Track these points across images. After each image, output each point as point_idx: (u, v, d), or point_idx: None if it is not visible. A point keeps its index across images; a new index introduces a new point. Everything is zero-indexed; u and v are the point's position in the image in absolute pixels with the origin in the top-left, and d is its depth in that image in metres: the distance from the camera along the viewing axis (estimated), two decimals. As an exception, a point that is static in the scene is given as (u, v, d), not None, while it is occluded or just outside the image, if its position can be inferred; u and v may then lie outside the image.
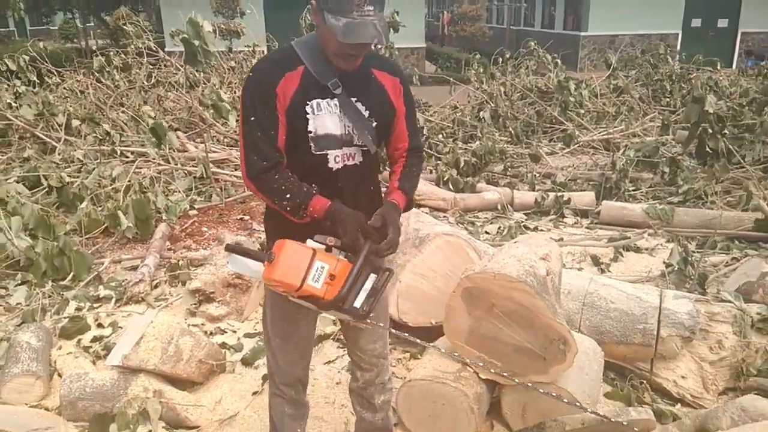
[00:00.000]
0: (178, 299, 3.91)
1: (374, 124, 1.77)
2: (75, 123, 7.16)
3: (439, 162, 6.99)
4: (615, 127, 8.08)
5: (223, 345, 3.34)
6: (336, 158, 1.74)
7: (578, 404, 2.25)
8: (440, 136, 7.88)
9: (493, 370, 2.42)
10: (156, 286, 4.13)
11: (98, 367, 3.15)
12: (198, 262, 4.34)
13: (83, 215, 4.88)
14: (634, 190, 6.08)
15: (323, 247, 1.64)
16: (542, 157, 7.14)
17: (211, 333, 3.53)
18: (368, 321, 1.74)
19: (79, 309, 3.80)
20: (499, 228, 5.28)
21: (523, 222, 5.41)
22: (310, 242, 1.65)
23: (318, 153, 1.71)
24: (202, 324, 3.64)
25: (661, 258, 4.48)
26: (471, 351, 2.49)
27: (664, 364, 2.91)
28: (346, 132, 1.73)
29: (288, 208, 1.68)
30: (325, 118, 1.70)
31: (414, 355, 3.23)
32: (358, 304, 1.64)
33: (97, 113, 7.52)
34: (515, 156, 7.45)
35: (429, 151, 7.45)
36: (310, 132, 1.70)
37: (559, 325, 2.32)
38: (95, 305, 3.87)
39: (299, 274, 1.57)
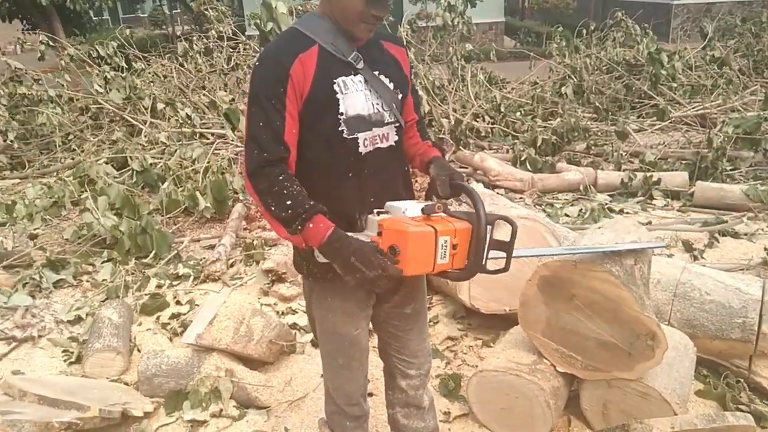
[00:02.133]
0: (252, 278, 3.97)
1: (399, 96, 1.67)
2: (160, 106, 7.41)
3: (516, 141, 6.78)
4: (711, 101, 7.52)
5: (294, 326, 3.35)
6: (365, 141, 1.60)
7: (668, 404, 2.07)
8: (518, 113, 7.63)
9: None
10: (232, 265, 4.21)
11: (174, 344, 3.24)
12: (272, 241, 4.41)
13: (165, 195, 5.03)
14: (732, 170, 5.68)
15: (436, 214, 1.54)
16: (630, 135, 6.78)
17: (283, 313, 3.56)
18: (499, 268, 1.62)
19: (159, 286, 3.92)
20: (581, 210, 5.08)
21: (607, 204, 5.17)
22: (410, 209, 1.54)
23: (350, 137, 1.57)
24: (275, 304, 3.67)
25: (762, 244, 4.15)
26: (548, 343, 2.37)
27: (765, 362, 2.69)
28: (375, 110, 1.61)
29: (283, 217, 1.50)
30: (354, 96, 1.57)
31: (486, 342, 3.14)
32: (485, 262, 1.55)
33: (179, 96, 7.76)
34: (600, 133, 7.13)
35: (506, 129, 7.24)
36: (341, 114, 1.55)
37: (647, 318, 2.16)
38: (174, 283, 3.99)
39: (430, 261, 1.48)
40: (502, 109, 7.54)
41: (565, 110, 7.45)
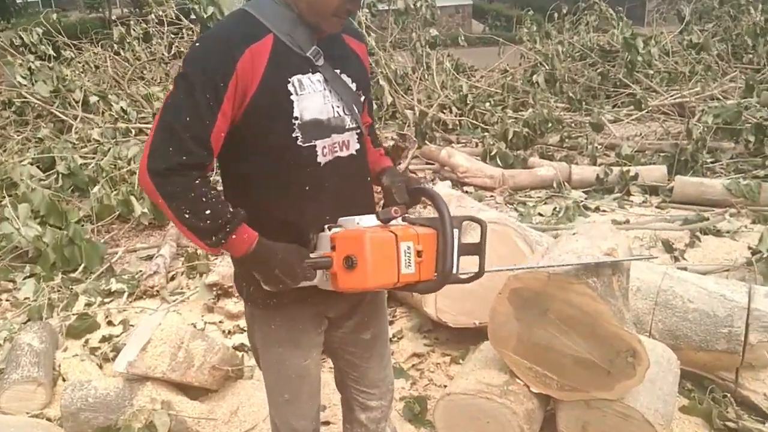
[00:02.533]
0: (195, 293, 3.86)
1: (362, 99, 1.61)
2: (92, 99, 7.17)
3: (485, 134, 6.79)
4: (690, 89, 7.65)
5: (242, 347, 3.26)
6: (324, 150, 1.52)
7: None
8: (487, 104, 7.65)
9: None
10: (172, 279, 4.10)
11: (105, 372, 3.10)
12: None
13: (96, 201, 4.86)
14: (712, 163, 5.78)
15: (395, 221, 1.50)
16: (605, 126, 6.87)
17: (230, 332, 3.47)
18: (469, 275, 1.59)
19: (88, 305, 3.78)
20: (555, 209, 5.10)
21: (582, 202, 5.21)
22: (364, 220, 1.49)
23: (306, 145, 1.48)
24: (221, 321, 3.58)
25: (746, 243, 4.19)
26: (521, 361, 2.32)
27: (752, 374, 2.71)
28: (336, 114, 1.53)
29: (201, 228, 1.39)
30: (311, 98, 1.48)
31: (455, 359, 3.10)
32: (456, 269, 1.49)
33: (114, 88, 7.52)
34: (573, 125, 7.21)
35: (474, 121, 7.23)
36: (296, 119, 1.46)
37: (627, 333, 2.13)
38: (106, 300, 3.85)
39: (393, 270, 1.41)
40: (470, 100, 7.55)
41: (536, 100, 7.50)
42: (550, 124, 6.78)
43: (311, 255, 1.48)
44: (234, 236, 1.41)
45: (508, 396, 2.29)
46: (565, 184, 5.52)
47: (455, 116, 7.36)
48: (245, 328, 3.42)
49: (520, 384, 2.33)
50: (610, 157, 6.26)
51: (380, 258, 1.39)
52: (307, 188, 1.51)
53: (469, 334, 3.07)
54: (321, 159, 1.51)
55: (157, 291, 3.90)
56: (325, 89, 1.50)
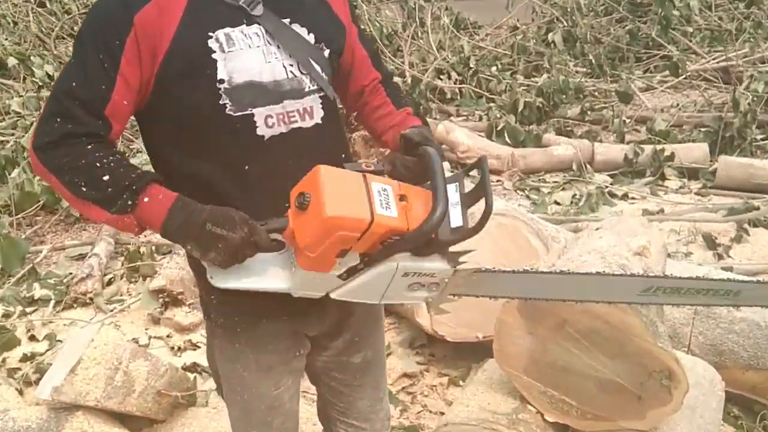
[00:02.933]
0: (137, 301, 3.84)
1: (326, 52, 1.57)
2: (11, 62, 7.10)
3: (491, 105, 6.78)
4: (736, 50, 7.65)
5: (194, 367, 3.24)
6: (269, 120, 1.48)
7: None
8: (494, 68, 7.64)
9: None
10: (109, 283, 4.07)
11: (26, 398, 3.07)
12: (166, 248, 4.27)
13: (16, 187, 4.80)
14: (763, 140, 5.78)
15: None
16: (635, 95, 6.85)
17: (179, 349, 3.47)
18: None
19: (6, 315, 3.74)
20: (574, 196, 5.10)
21: (607, 187, 5.22)
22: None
23: (237, 114, 1.46)
24: (168, 336, 3.57)
25: (805, 237, 4.22)
26: (534, 384, 2.33)
27: None
28: (289, 75, 1.50)
29: (101, 198, 1.38)
30: (243, 56, 1.45)
31: (454, 380, 3.12)
32: (458, 221, 1.44)
33: (38, 49, 7.45)
34: (597, 94, 7.20)
35: (478, 90, 7.22)
36: (221, 82, 1.44)
37: (661, 350, 2.13)
38: (28, 310, 3.82)
39: (364, 203, 1.35)
40: (473, 64, 7.51)
41: (552, 64, 7.49)
42: (568, 93, 6.78)
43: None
44: (146, 199, 1.38)
45: (517, 426, 2.28)
46: (587, 165, 5.52)
47: (455, 83, 7.33)
48: (199, 344, 3.45)
49: (533, 412, 2.33)
50: (640, 133, 6.26)
51: (340, 189, 1.35)
52: (247, 167, 1.48)
53: (471, 351, 3.08)
54: (264, 131, 1.48)
55: (91, 298, 3.87)
56: (267, 44, 1.47)
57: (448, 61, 7.58)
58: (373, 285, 1.46)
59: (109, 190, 1.37)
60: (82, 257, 4.33)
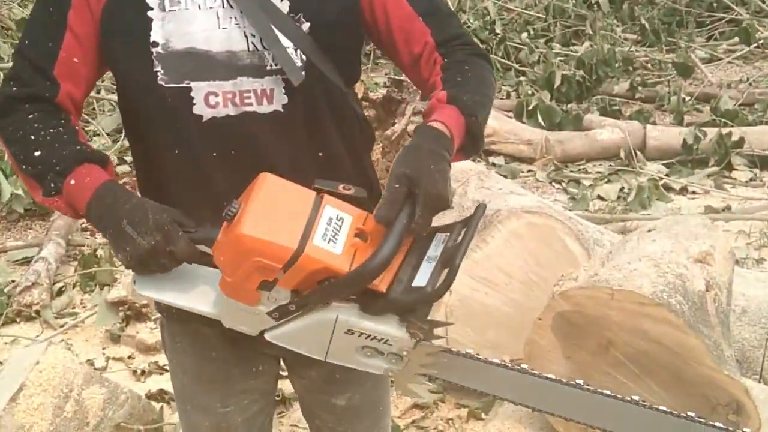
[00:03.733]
0: (92, 315, 3.83)
1: (305, 26, 1.51)
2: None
3: (521, 79, 6.77)
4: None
5: (161, 395, 3.23)
6: (211, 97, 1.47)
7: None
8: (525, 34, 7.61)
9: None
10: (60, 293, 4.06)
11: (-41, 432, 3.06)
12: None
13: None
14: None
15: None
16: (696, 68, 6.84)
17: (143, 373, 3.46)
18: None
19: (-65, 332, 3.74)
20: (622, 190, 5.08)
21: (662, 179, 5.19)
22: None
23: (171, 86, 1.45)
24: (130, 357, 3.57)
25: None
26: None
27: None
28: (249, 48, 1.48)
29: (33, 175, 1.45)
30: (188, 19, 1.45)
31: (475, 412, 3.08)
32: (422, 280, 1.35)
33: None
34: (650, 66, 7.20)
35: (505, 61, 7.19)
36: (154, 45, 1.44)
37: (728, 379, 2.14)
38: (-38, 325, 3.80)
39: (297, 227, 1.31)
40: (500, 29, 7.49)
41: (596, 30, 7.48)
42: (615, 65, 6.76)
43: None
44: (72, 181, 1.42)
45: (552, 470, 2.31)
46: (638, 153, 5.49)
47: (477, 53, 7.32)
48: (167, 367, 3.42)
49: (570, 452, 2.35)
50: (702, 114, 6.24)
51: (274, 205, 1.33)
52: (177, 152, 1.49)
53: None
54: (203, 111, 1.47)
55: (37, 311, 3.85)
56: (225, 7, 1.46)
57: (469, 26, 7.55)
58: (312, 335, 1.41)
59: (39, 167, 1.43)
60: (27, 262, 4.32)
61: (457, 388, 3.23)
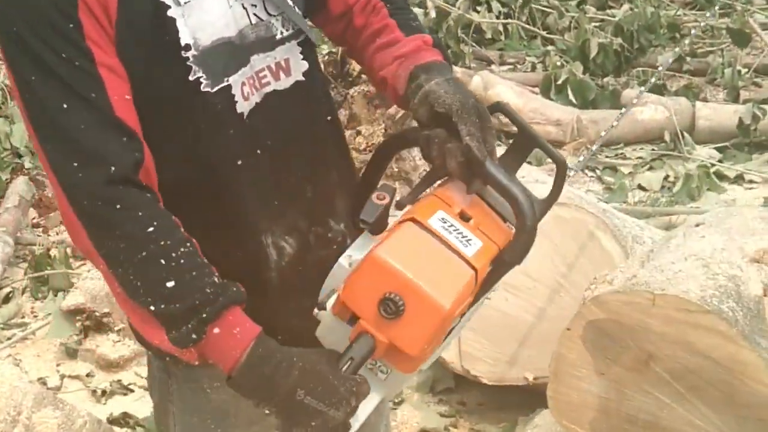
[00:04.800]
0: (45, 326, 3.85)
1: None
2: None
3: (548, 49, 6.78)
4: None
5: (124, 419, 3.26)
6: (244, 89, 1.49)
7: None
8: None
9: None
10: (6, 300, 4.10)
11: None
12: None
13: None
14: None
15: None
16: (755, 35, 6.78)
17: (105, 393, 3.47)
18: None
19: None
20: (667, 178, 5.10)
21: (714, 166, 5.18)
22: (354, 251, 1.47)
23: (217, 89, 1.46)
24: (88, 375, 3.59)
25: None
26: None
27: None
28: (252, 20, 1.50)
29: (161, 312, 1.36)
30: (204, 4, 1.44)
31: None
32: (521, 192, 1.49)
33: None
34: (702, 33, 7.11)
35: (530, 27, 7.18)
36: (187, 48, 1.42)
37: None
38: None
39: (452, 258, 1.40)
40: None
41: (637, -10, 7.43)
42: (659, 32, 6.76)
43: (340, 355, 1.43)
44: (216, 330, 1.37)
45: None
46: (685, 135, 5.47)
47: (497, 18, 7.31)
48: (132, 386, 3.46)
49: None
50: (762, 90, 6.23)
51: (425, 264, 1.38)
52: (239, 162, 1.48)
53: (518, 398, 3.09)
54: (243, 107, 1.49)
55: (-19, 321, 3.88)
56: None
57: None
58: (459, 328, 1.53)
59: (175, 306, 1.36)
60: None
61: (476, 407, 3.28)
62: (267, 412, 1.41)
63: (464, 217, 1.43)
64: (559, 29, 7.04)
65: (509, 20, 7.30)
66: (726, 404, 2.17)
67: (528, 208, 1.42)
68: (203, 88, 1.44)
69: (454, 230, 1.40)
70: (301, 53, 1.56)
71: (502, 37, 7.22)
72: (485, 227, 1.44)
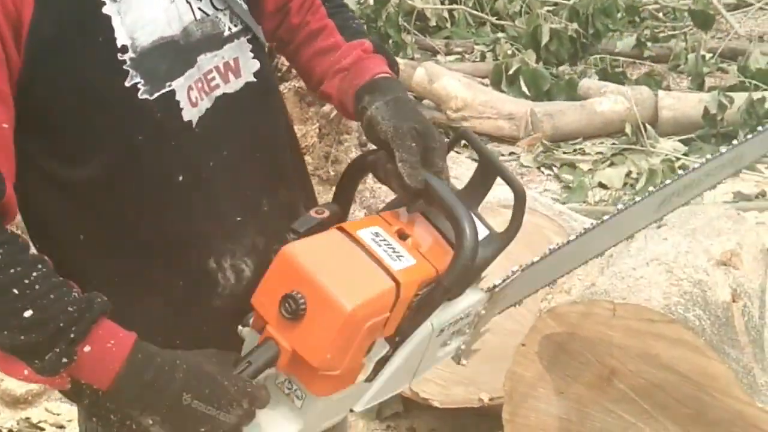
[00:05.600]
0: None
1: None
2: None
3: (498, 36, 6.83)
4: None
5: None
6: (191, 94, 1.48)
7: None
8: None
9: None
10: None
11: None
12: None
13: None
14: None
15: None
16: (720, 16, 6.92)
17: None
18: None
19: None
20: (630, 174, 5.15)
21: (679, 159, 5.27)
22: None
23: (157, 96, 1.43)
24: None
25: None
26: None
27: None
28: (198, 16, 1.49)
29: (22, 344, 1.30)
30: (144, 2, 1.42)
31: None
32: (482, 229, 1.54)
33: None
34: (661, 16, 7.29)
35: (477, 12, 7.21)
36: (124, 50, 1.40)
37: (763, 414, 2.15)
38: None
39: (373, 267, 1.41)
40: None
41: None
42: (616, 16, 6.84)
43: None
44: (87, 348, 1.33)
45: None
46: (648, 127, 5.54)
47: (441, 3, 7.34)
48: (42, 426, 3.41)
49: None
50: (728, 75, 6.32)
51: (337, 266, 1.40)
52: (181, 178, 1.47)
53: (473, 420, 3.13)
54: (191, 114, 1.47)
55: None
56: None
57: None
58: (407, 366, 1.52)
59: (37, 335, 1.31)
60: None
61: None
62: (151, 422, 1.39)
63: (402, 236, 1.47)
64: (510, 14, 7.12)
65: (455, 6, 7.35)
66: (695, 422, 2.18)
67: (468, 229, 1.43)
68: (141, 95, 1.42)
69: (385, 244, 1.43)
70: (251, 51, 1.57)
71: (448, 25, 7.28)
72: (425, 248, 1.47)
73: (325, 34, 1.71)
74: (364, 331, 1.36)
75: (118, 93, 1.41)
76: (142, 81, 1.42)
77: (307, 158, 3.73)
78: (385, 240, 1.44)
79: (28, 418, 3.47)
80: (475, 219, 1.50)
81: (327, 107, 4.28)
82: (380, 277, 1.38)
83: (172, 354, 1.40)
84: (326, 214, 1.48)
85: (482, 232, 1.51)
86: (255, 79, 1.57)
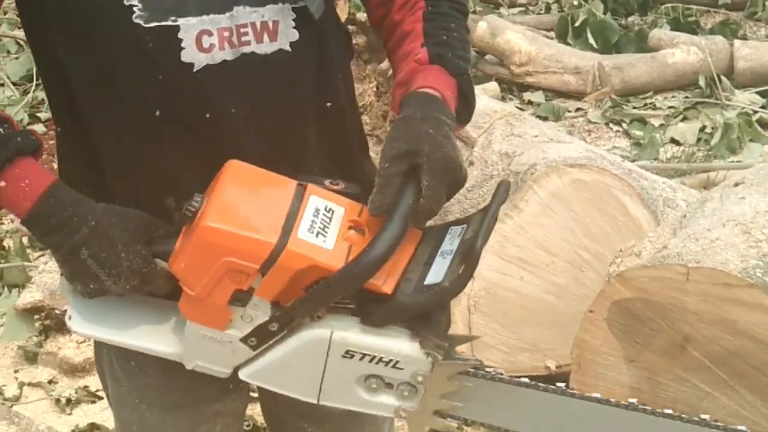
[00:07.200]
0: None
1: None
2: None
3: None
4: None
5: (92, 431, 3.25)
6: (204, 38, 1.48)
7: None
8: None
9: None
10: None
11: None
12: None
13: None
14: None
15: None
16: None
17: (69, 401, 3.46)
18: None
19: None
20: (704, 129, 5.08)
21: (756, 113, 5.17)
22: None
23: (152, 26, 1.44)
24: (51, 381, 3.58)
25: None
26: None
27: None
28: None
29: None
30: None
31: None
32: (436, 276, 1.45)
33: None
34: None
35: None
36: None
37: None
38: None
39: (276, 218, 1.41)
40: None
41: None
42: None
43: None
44: (2, 183, 1.42)
45: None
46: (723, 79, 5.45)
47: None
48: (100, 393, 3.44)
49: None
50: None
51: (245, 195, 1.43)
52: (158, 113, 1.49)
53: None
54: (194, 57, 1.48)
55: None
56: None
57: None
58: (300, 366, 1.47)
59: None
60: None
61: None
62: (54, 256, 1.47)
63: (355, 228, 1.44)
64: (575, -37, 7.03)
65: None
66: (775, 391, 2.16)
67: (368, 256, 1.38)
68: (135, 19, 1.44)
69: (321, 220, 1.42)
70: (294, 20, 1.54)
71: (512, -24, 7.21)
72: (354, 253, 1.42)
73: (411, 37, 1.68)
74: (222, 263, 1.36)
75: (115, 15, 1.45)
76: (140, 6, 1.44)
77: (365, 118, 3.72)
78: (328, 218, 1.43)
79: (86, 387, 3.51)
80: (440, 261, 1.46)
81: (384, 65, 4.27)
82: (270, 230, 1.38)
83: (89, 208, 1.45)
84: (340, 185, 1.49)
85: (433, 277, 1.45)
86: (290, 50, 1.55)
